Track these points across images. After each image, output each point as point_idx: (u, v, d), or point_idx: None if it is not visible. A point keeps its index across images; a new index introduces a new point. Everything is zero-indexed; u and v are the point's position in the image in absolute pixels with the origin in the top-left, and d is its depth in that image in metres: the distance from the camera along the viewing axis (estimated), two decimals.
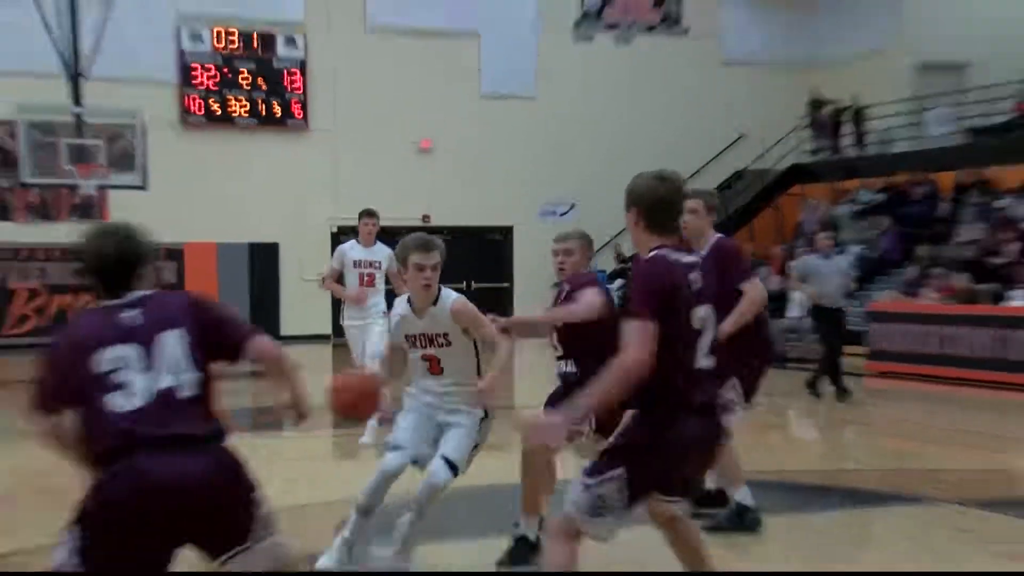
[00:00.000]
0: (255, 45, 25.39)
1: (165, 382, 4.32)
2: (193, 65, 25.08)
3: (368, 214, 11.77)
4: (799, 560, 7.21)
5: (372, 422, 11.04)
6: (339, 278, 11.66)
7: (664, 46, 27.58)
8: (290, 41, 25.58)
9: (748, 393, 7.55)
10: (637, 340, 4.66)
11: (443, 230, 24.61)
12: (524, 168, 25.66)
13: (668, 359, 4.81)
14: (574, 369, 6.89)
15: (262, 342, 4.72)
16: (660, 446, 4.93)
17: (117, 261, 4.56)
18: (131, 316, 4.44)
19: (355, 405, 6.21)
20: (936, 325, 18.06)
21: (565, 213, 25.73)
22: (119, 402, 4.26)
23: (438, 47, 26.14)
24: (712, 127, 26.26)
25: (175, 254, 24.78)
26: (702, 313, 4.97)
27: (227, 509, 4.31)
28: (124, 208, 23.29)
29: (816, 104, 27.53)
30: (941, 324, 17.98)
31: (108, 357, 4.32)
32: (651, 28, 27.49)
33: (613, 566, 5.86)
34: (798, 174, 27.19)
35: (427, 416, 6.49)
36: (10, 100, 21.06)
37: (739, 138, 26.41)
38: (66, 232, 24.02)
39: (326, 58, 25.55)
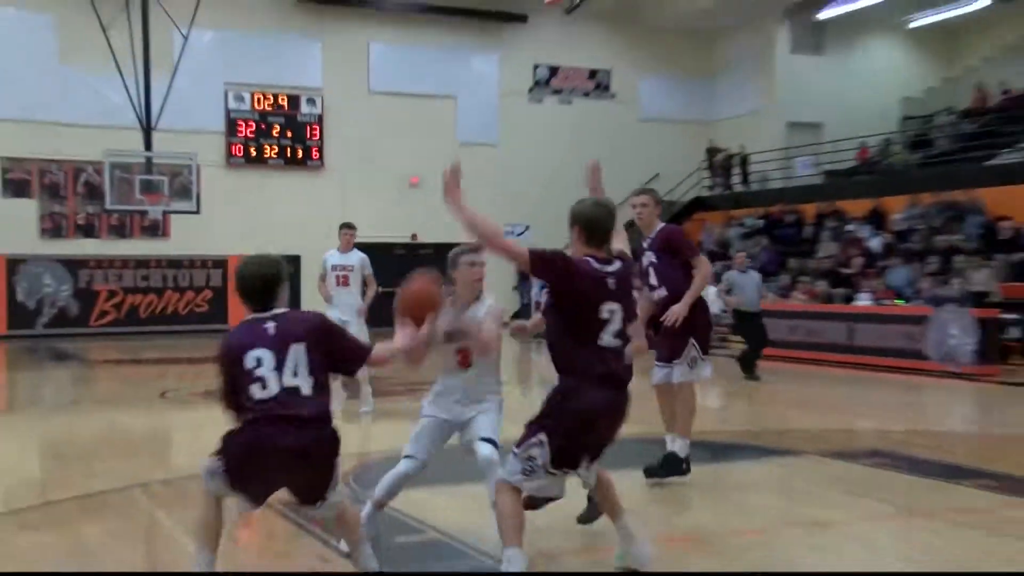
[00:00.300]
0: (284, 105, 25.57)
1: (288, 381, 4.52)
2: (237, 120, 25.31)
3: (347, 226, 11.20)
4: (711, 498, 7.08)
5: (368, 391, 10.87)
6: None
7: (596, 107, 28.11)
8: (311, 101, 25.77)
9: (704, 348, 7.37)
10: (522, 248, 4.88)
11: (427, 245, 25.21)
12: (490, 198, 25.83)
13: (575, 339, 4.92)
14: None
15: (375, 357, 4.93)
16: (569, 412, 4.87)
17: (261, 286, 4.77)
18: (268, 328, 4.61)
19: (416, 307, 5.36)
20: (803, 320, 18.40)
21: (521, 233, 25.97)
22: (256, 391, 4.50)
23: (424, 106, 26.43)
24: (633, 168, 26.10)
25: (221, 263, 24.93)
26: (611, 307, 4.88)
27: (317, 471, 4.57)
28: (183, 228, 23.86)
29: (712, 151, 27.89)
30: (807, 319, 18.35)
31: (251, 357, 4.53)
32: (587, 93, 28.21)
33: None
34: (699, 205, 27.48)
35: (439, 425, 5.81)
36: (99, 147, 21.23)
37: (654, 176, 26.48)
38: (137, 247, 24.54)
39: (338, 114, 25.69)
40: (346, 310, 10.69)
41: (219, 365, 4.70)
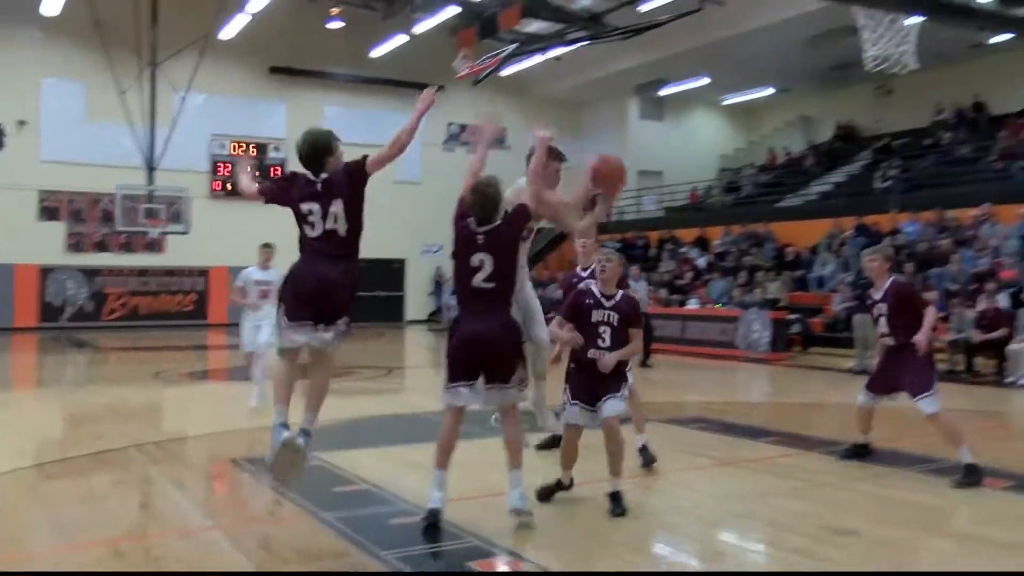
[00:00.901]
0: (255, 151, 25.23)
1: (330, 225, 4.85)
2: (219, 163, 24.92)
3: (266, 246, 10.16)
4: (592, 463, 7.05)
5: (260, 388, 8.90)
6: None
7: (495, 156, 27.82)
8: (276, 149, 25.43)
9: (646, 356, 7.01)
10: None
11: (363, 260, 24.94)
12: (415, 224, 25.99)
13: (457, 283, 5.03)
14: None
15: (376, 155, 5.16)
16: (453, 338, 4.92)
17: (308, 154, 4.98)
18: (317, 186, 4.89)
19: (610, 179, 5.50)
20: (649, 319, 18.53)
21: (437, 250, 25.97)
22: (308, 231, 4.86)
23: (365, 152, 26.14)
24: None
25: (204, 273, 24.69)
26: (479, 257, 4.87)
27: (338, 297, 4.91)
28: (176, 245, 23.44)
29: None
30: (652, 319, 18.28)
31: (304, 207, 4.86)
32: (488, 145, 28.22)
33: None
34: (566, 236, 27.44)
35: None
36: (113, 182, 20.94)
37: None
38: (140, 259, 24.00)
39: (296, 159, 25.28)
40: (266, 320, 9.24)
41: (274, 183, 5.66)
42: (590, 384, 5.23)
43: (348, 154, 5.25)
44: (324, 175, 4.92)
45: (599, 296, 5.39)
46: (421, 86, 23.41)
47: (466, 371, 4.86)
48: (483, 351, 4.83)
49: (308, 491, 5.47)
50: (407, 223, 25.87)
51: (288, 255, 5.29)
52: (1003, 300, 13.68)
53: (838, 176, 23.51)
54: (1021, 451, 8.02)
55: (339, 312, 4.85)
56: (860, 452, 6.75)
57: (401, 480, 6.00)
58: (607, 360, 5.16)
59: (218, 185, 24.97)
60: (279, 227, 6.53)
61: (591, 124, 29.37)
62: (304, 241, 4.93)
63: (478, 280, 4.87)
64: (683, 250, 22.43)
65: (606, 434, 5.15)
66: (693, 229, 23.26)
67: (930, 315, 6.31)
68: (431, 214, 25.80)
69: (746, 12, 19.94)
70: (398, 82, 26.14)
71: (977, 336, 13.11)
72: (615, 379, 5.25)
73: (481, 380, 4.86)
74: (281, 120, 25.60)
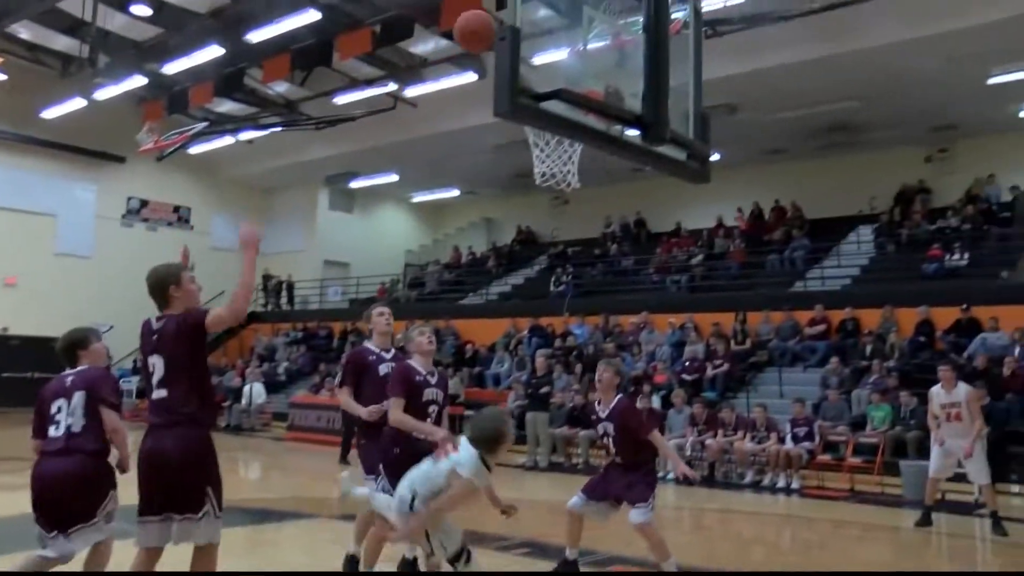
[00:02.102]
0: None
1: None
2: None
3: None
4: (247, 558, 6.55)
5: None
6: None
7: (179, 234, 26.90)
8: None
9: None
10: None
11: (16, 337, 22.73)
12: (84, 299, 23.83)
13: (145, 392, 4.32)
14: None
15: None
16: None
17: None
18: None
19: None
20: (328, 411, 17.70)
21: (107, 330, 24.06)
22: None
23: (27, 220, 23.83)
24: (203, 283, 25.31)
25: None
26: (152, 359, 4.17)
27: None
28: None
29: (267, 277, 27.46)
30: (331, 410, 17.38)
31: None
32: (170, 223, 27.03)
33: None
34: (254, 318, 26.38)
35: None
36: None
37: (220, 293, 25.83)
38: None
39: None
40: None
41: None
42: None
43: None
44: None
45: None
46: (98, 154, 22.14)
47: (148, 500, 4.09)
48: (150, 472, 4.09)
49: None
50: (75, 298, 23.82)
51: None
52: (655, 401, 15.04)
53: (517, 278, 24.91)
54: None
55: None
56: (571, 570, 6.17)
57: None
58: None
59: None
60: None
61: (281, 210, 29.05)
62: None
63: (155, 389, 4.21)
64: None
65: None
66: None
67: (659, 441, 6.05)
68: (103, 291, 24.07)
69: (436, 116, 20.88)
70: (71, 147, 24.36)
71: None
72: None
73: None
74: None
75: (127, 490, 4.54)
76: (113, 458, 4.69)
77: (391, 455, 4.99)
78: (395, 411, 5.00)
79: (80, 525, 4.48)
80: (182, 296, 4.35)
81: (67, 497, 4.46)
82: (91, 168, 25.21)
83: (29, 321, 22.27)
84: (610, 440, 6.08)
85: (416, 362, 5.21)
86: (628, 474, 5.95)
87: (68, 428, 4.58)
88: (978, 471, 9.12)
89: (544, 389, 15.13)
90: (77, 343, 4.94)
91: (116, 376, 5.07)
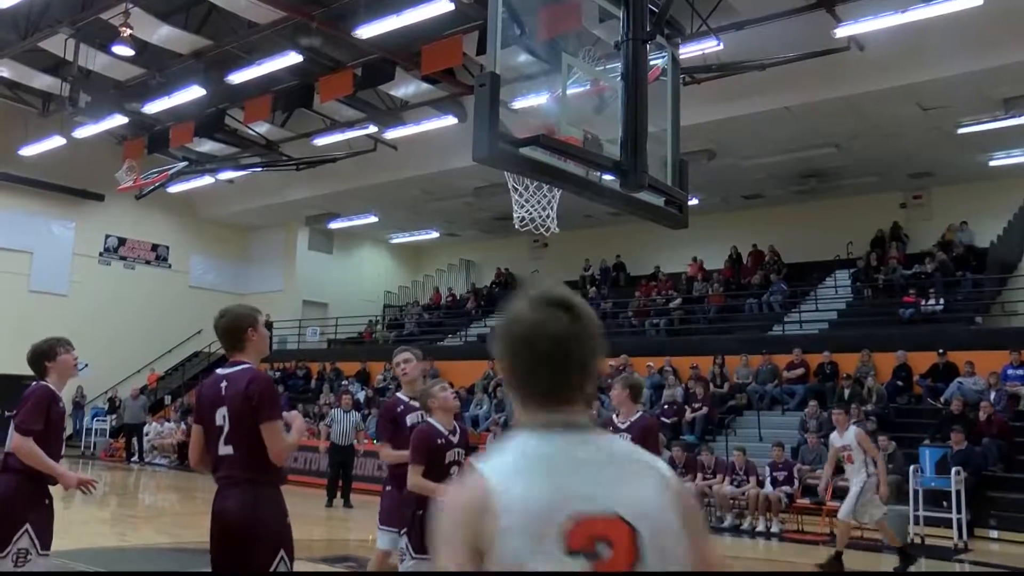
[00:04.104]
0: None
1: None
2: None
3: None
4: None
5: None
6: None
7: (156, 272, 26.95)
8: None
9: None
10: None
11: None
12: (62, 335, 23.45)
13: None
14: None
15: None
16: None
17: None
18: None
19: None
20: (304, 451, 17.38)
21: (83, 368, 23.70)
22: None
23: (5, 257, 23.54)
24: (183, 324, 25.43)
25: None
26: (221, 412, 3.76)
27: None
28: None
29: None
30: (307, 451, 17.39)
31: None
32: (148, 262, 26.89)
33: None
34: None
35: None
36: None
37: (198, 332, 25.73)
38: None
39: None
40: None
41: None
42: None
43: None
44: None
45: None
46: (76, 191, 22.07)
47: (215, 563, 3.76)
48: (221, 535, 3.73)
49: None
50: (50, 335, 23.45)
51: None
52: None
53: (496, 320, 24.78)
54: None
55: None
56: None
57: None
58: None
59: None
60: None
61: (260, 249, 29.00)
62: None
63: (222, 443, 3.81)
64: (345, 382, 22.36)
65: None
66: (356, 362, 23.37)
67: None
68: (79, 329, 23.72)
69: (417, 159, 20.96)
70: (50, 184, 24.25)
71: None
72: None
73: None
74: None
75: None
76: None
77: (414, 516, 4.78)
78: (414, 477, 4.78)
79: None
80: (257, 341, 4.01)
81: None
82: (70, 206, 25.08)
83: (1, 358, 21.98)
84: None
85: (437, 420, 4.96)
86: None
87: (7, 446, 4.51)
88: (869, 509, 9.33)
89: None
90: (43, 354, 4.78)
91: (50, 394, 4.78)
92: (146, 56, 17.54)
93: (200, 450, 3.89)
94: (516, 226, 4.87)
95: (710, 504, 13.29)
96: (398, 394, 5.81)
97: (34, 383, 4.76)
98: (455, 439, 4.93)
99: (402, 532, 4.87)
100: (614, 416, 6.35)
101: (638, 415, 6.12)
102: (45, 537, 4.43)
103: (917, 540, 10.90)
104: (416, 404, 5.48)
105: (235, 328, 3.96)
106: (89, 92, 19.33)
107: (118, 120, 20.39)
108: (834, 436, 9.60)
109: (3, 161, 23.04)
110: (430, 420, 4.96)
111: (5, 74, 19.74)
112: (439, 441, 4.85)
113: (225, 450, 3.75)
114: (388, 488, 5.55)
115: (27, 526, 4.33)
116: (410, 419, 5.48)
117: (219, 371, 3.90)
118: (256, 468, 3.71)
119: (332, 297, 28.38)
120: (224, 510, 3.69)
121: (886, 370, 15.78)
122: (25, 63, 18.94)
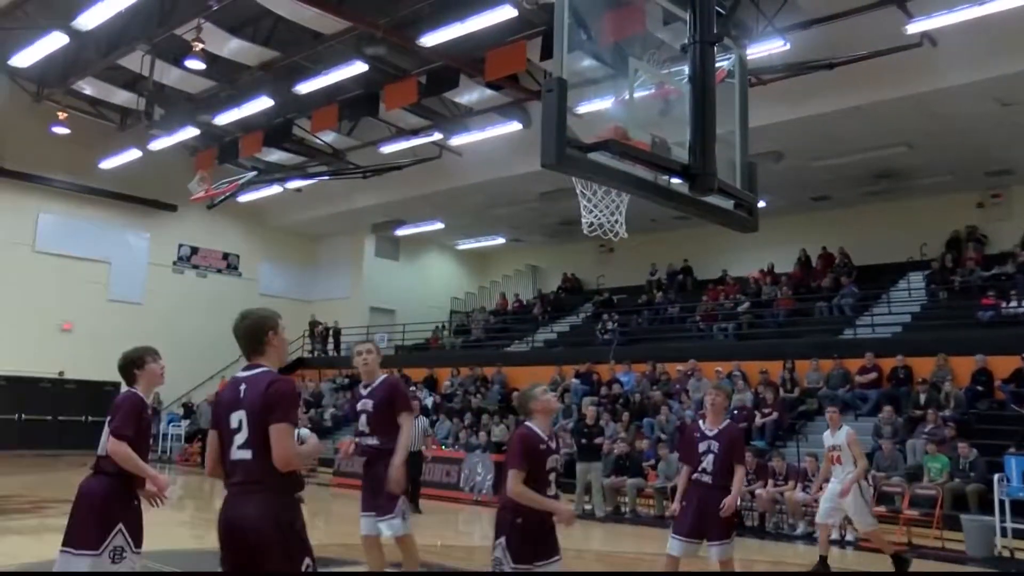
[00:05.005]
0: None
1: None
2: None
3: None
4: None
5: None
6: None
7: (227, 281, 27.49)
8: None
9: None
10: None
11: (72, 381, 23.12)
12: (136, 345, 24.08)
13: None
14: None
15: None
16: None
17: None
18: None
19: None
20: None
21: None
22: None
23: (82, 267, 24.38)
24: None
25: None
26: (238, 415, 3.65)
27: None
28: None
29: (314, 324, 27.85)
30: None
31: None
32: (219, 270, 27.48)
33: None
34: (300, 364, 27.03)
35: None
36: None
37: None
38: None
39: (4, 265, 23.07)
40: None
41: None
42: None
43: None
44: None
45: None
46: (151, 202, 22.73)
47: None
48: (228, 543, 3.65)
49: None
50: (125, 345, 23.99)
51: None
52: None
53: (562, 326, 24.84)
54: None
55: None
56: None
57: None
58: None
59: None
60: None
61: (328, 256, 29.46)
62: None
63: (234, 449, 3.72)
64: (413, 388, 22.49)
65: None
66: (423, 368, 23.51)
67: (741, 474, 6.38)
68: (152, 336, 24.38)
69: (482, 165, 21.06)
70: (126, 196, 24.99)
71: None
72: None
73: None
74: None
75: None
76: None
77: (513, 524, 4.51)
78: (515, 484, 4.47)
79: (82, 551, 4.39)
80: (278, 344, 3.91)
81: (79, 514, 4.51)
82: (145, 216, 25.79)
83: (83, 365, 22.65)
84: (711, 458, 6.31)
85: (537, 425, 4.67)
86: (711, 504, 6.14)
87: (101, 449, 4.70)
88: (858, 516, 9.14)
89: (597, 439, 14.86)
90: (133, 362, 4.95)
91: (140, 401, 4.82)
92: (217, 69, 17.96)
93: (216, 457, 3.80)
94: (584, 231, 4.85)
95: (782, 511, 13.05)
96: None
97: (124, 390, 4.92)
98: (555, 445, 4.71)
99: (497, 541, 4.54)
100: (700, 423, 6.56)
101: (726, 423, 6.42)
102: (137, 536, 4.58)
103: (1006, 553, 10.51)
104: (363, 391, 6.20)
105: (256, 331, 3.87)
106: (163, 106, 19.91)
107: (190, 132, 20.94)
108: (826, 435, 9.40)
109: (85, 175, 23.90)
110: (530, 424, 4.69)
111: (88, 91, 20.41)
112: (541, 447, 4.60)
113: (241, 455, 3.65)
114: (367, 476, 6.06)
115: (120, 525, 4.49)
116: (360, 406, 6.19)
117: (238, 374, 3.83)
118: (276, 473, 3.59)
119: (399, 304, 28.65)
120: (244, 517, 3.55)
121: (964, 375, 15.30)
122: (105, 80, 19.56)
